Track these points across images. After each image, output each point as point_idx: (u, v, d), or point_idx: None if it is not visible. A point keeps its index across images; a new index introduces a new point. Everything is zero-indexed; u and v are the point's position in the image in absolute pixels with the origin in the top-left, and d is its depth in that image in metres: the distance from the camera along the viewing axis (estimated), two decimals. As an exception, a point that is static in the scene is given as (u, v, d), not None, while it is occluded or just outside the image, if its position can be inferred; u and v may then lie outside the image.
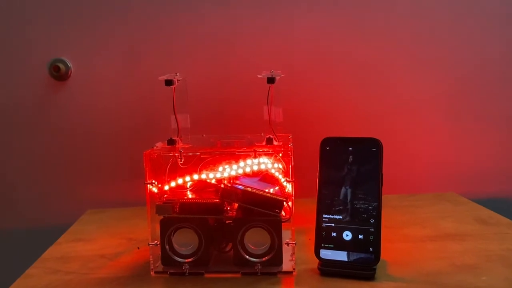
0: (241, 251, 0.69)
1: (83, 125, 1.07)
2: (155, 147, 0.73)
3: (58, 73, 1.04)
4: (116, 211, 1.02)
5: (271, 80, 0.72)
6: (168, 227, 0.69)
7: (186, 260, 0.70)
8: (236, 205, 0.71)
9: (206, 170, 0.73)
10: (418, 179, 1.11)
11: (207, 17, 1.04)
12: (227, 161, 0.73)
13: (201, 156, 0.72)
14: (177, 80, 0.74)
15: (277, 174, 0.75)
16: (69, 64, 1.05)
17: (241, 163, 0.72)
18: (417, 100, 1.09)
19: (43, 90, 1.06)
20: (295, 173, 0.69)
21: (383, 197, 0.67)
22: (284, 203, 0.68)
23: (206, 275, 0.69)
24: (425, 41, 1.07)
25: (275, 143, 0.73)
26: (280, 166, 0.74)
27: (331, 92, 1.07)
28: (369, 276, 0.66)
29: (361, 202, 0.68)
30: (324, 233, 0.68)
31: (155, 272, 0.70)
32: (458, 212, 0.93)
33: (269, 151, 0.71)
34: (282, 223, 0.68)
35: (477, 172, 1.11)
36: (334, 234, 0.68)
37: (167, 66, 1.04)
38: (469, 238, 0.80)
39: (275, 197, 0.69)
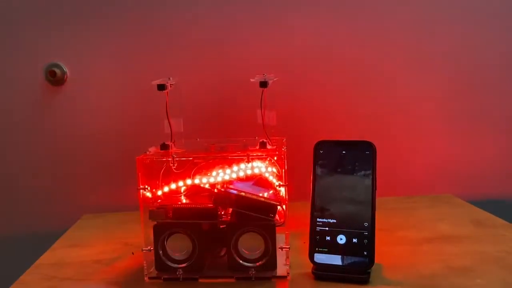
0: (235, 256, 0.68)
1: (78, 130, 1.06)
2: (148, 152, 0.73)
3: (54, 78, 1.04)
4: (112, 215, 1.02)
5: (263, 84, 0.71)
6: (161, 232, 0.69)
7: (180, 266, 0.69)
8: (230, 209, 0.70)
9: (200, 175, 0.73)
10: (415, 181, 1.10)
11: (201, 21, 1.04)
12: (220, 165, 0.73)
13: (195, 161, 0.72)
14: (170, 84, 0.74)
15: (271, 178, 0.75)
16: (65, 69, 1.05)
17: (235, 168, 0.72)
18: (413, 102, 1.08)
19: (39, 95, 1.06)
20: (289, 177, 0.69)
21: (379, 199, 0.67)
22: (278, 207, 0.68)
23: (200, 280, 0.69)
24: (421, 42, 1.06)
25: (268, 147, 0.73)
26: (274, 170, 0.74)
27: (325, 94, 1.07)
28: (364, 280, 0.65)
29: (355, 205, 0.67)
30: (318, 237, 0.68)
31: (149, 278, 0.70)
32: (455, 214, 0.93)
33: (262, 155, 0.71)
34: (276, 228, 0.68)
35: (473, 174, 1.10)
36: (328, 238, 0.68)
37: (162, 70, 1.03)
38: (465, 240, 0.79)
39: (269, 201, 0.68)
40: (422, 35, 1.06)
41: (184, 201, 0.74)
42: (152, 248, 0.70)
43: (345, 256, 0.67)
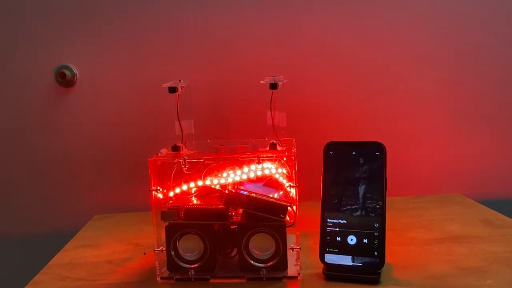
0: (246, 256, 0.69)
1: (89, 131, 1.07)
2: (159, 154, 0.73)
3: (64, 80, 1.05)
4: (123, 216, 1.03)
5: (273, 86, 0.72)
6: (173, 233, 0.70)
7: (192, 266, 0.70)
8: (240, 210, 0.71)
9: (211, 176, 0.74)
10: (424, 181, 1.10)
11: (211, 22, 1.05)
12: (231, 166, 0.74)
13: (205, 162, 0.73)
14: (181, 87, 0.74)
15: (281, 179, 0.75)
16: (75, 71, 1.06)
17: (245, 169, 0.73)
18: (422, 102, 1.08)
19: (49, 96, 1.07)
20: (299, 177, 0.69)
21: (388, 199, 0.67)
22: (289, 207, 0.69)
23: (212, 281, 0.70)
24: (429, 43, 1.06)
25: (278, 148, 0.73)
26: (284, 170, 0.74)
27: (335, 96, 1.07)
28: (374, 280, 0.66)
29: (365, 206, 0.68)
30: (328, 238, 0.69)
31: (161, 278, 0.71)
32: (465, 214, 0.92)
33: (272, 157, 0.71)
34: (287, 228, 0.69)
35: (483, 173, 1.10)
36: (338, 238, 0.68)
37: (172, 72, 1.05)
38: (475, 240, 0.79)
39: (279, 202, 0.69)
40: (432, 36, 1.06)
41: (195, 202, 0.74)
42: (164, 249, 0.71)
43: (355, 257, 0.67)
